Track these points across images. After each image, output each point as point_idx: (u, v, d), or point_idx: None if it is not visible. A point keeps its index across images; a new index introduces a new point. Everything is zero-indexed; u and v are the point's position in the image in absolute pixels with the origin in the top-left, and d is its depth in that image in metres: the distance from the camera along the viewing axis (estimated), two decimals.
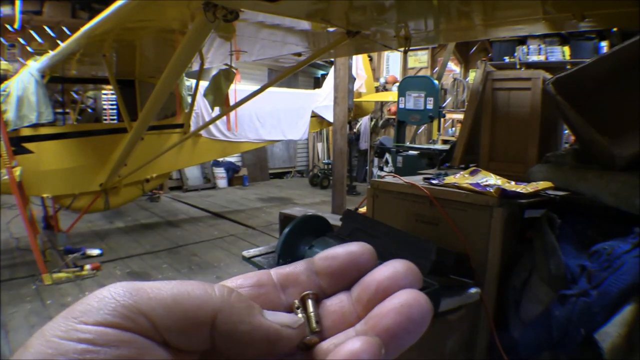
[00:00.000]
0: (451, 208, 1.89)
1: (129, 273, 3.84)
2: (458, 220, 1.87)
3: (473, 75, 7.28)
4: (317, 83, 9.69)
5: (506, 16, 2.19)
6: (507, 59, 7.01)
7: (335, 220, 2.10)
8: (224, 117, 5.03)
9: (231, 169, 8.59)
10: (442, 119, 6.66)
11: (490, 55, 7.36)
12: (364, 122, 8.96)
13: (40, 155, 3.94)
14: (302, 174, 10.30)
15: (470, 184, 1.90)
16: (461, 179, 2.05)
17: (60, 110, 4.62)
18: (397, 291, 0.25)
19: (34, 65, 3.84)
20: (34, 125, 3.82)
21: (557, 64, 6.45)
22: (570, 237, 1.79)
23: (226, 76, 3.34)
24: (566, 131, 2.77)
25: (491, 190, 1.78)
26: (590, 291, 1.55)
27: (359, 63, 6.80)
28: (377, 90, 8.26)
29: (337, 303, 0.27)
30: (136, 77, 4.55)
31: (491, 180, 2.04)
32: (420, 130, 7.60)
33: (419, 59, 8.46)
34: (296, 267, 0.29)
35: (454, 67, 8.12)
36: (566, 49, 6.55)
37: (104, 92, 5.70)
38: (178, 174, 7.93)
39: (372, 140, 8.91)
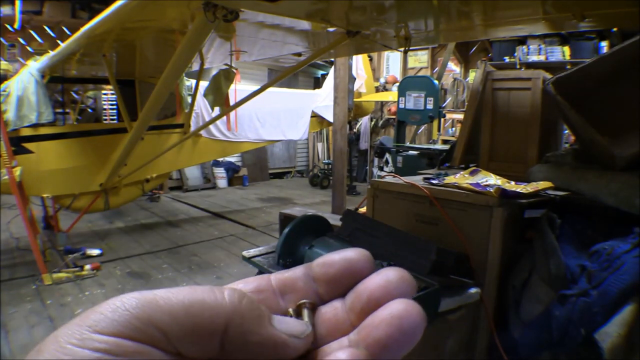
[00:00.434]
0: (451, 208, 1.89)
1: (129, 273, 3.84)
2: (458, 220, 1.87)
3: (473, 75, 7.28)
4: (317, 83, 9.69)
5: (506, 16, 2.19)
6: (507, 59, 7.01)
7: (335, 220, 2.10)
8: (224, 117, 5.03)
9: (231, 169, 8.59)
10: (442, 119, 6.66)
11: (490, 55, 7.36)
12: (364, 122, 8.96)
13: (40, 155, 3.94)
14: (302, 174, 10.30)
15: (470, 184, 1.90)
16: (461, 179, 2.05)
17: (60, 110, 4.61)
18: (389, 301, 0.25)
19: (34, 65, 3.84)
20: (34, 125, 3.81)
21: (557, 64, 6.45)
22: (570, 237, 1.79)
23: (226, 76, 3.34)
24: (566, 131, 2.77)
25: (491, 190, 1.78)
26: (590, 291, 1.55)
27: (359, 63, 6.80)
28: (377, 90, 8.26)
29: (331, 310, 0.28)
30: (136, 77, 4.54)
31: (491, 180, 2.04)
32: (420, 130, 7.60)
33: (419, 59, 8.46)
34: (295, 273, 0.29)
35: (454, 67, 8.12)
36: (566, 49, 6.55)
37: (104, 92, 5.70)
38: (178, 174, 7.93)
39: (372, 140, 8.91)
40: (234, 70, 3.36)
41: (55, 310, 3.09)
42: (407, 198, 2.07)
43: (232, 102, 4.44)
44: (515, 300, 1.76)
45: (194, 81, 4.63)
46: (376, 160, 8.45)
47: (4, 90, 3.71)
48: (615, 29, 5.51)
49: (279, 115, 5.96)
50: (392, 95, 7.45)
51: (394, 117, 7.56)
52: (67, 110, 4.85)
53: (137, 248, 4.55)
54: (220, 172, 8.38)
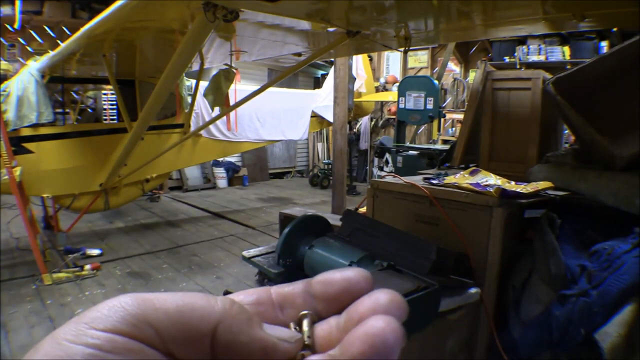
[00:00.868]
0: (451, 208, 1.90)
1: (129, 273, 3.84)
2: (458, 220, 1.87)
3: (473, 75, 7.28)
4: (317, 83, 9.69)
5: (506, 16, 2.19)
6: (507, 59, 7.01)
7: (335, 220, 2.10)
8: (224, 117, 5.03)
9: (231, 169, 8.59)
10: (442, 119, 6.66)
11: (490, 55, 7.36)
12: (364, 122, 8.96)
13: (40, 155, 3.94)
14: (302, 174, 10.30)
15: (470, 184, 1.90)
16: (461, 179, 2.05)
17: (60, 110, 4.61)
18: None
19: (34, 65, 3.84)
20: (34, 125, 3.82)
21: (557, 64, 6.45)
22: (570, 237, 1.79)
23: (226, 76, 3.33)
24: (566, 131, 2.77)
25: (491, 190, 1.78)
26: (590, 291, 1.55)
27: (359, 63, 6.80)
28: (377, 90, 8.26)
29: (326, 328, 0.28)
30: (136, 77, 4.55)
31: (491, 180, 2.04)
32: (420, 130, 7.60)
33: (419, 59, 8.46)
34: (295, 288, 0.29)
35: (454, 67, 8.12)
36: (566, 49, 6.55)
37: (104, 92, 5.70)
38: (178, 174, 7.93)
39: (372, 140, 8.91)
40: (234, 70, 3.36)
41: (55, 310, 3.09)
42: (407, 198, 2.07)
43: (232, 102, 4.44)
44: (515, 300, 1.76)
45: (194, 81, 4.63)
46: (376, 160, 8.45)
47: (4, 90, 3.71)
48: (615, 29, 5.51)
49: (279, 115, 5.96)
50: (392, 95, 7.45)
51: (394, 117, 7.56)
52: (67, 110, 4.85)
53: (137, 248, 4.55)
54: (220, 172, 8.38)
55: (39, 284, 3.48)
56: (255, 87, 3.61)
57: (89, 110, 5.82)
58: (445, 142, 6.92)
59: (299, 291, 0.29)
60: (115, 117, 5.54)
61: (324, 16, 2.19)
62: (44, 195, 4.24)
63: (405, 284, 1.33)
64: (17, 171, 3.54)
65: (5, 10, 6.13)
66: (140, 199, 6.33)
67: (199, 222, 5.77)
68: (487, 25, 2.37)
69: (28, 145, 3.87)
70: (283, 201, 7.27)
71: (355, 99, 6.68)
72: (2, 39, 6.32)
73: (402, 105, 5.02)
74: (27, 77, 3.75)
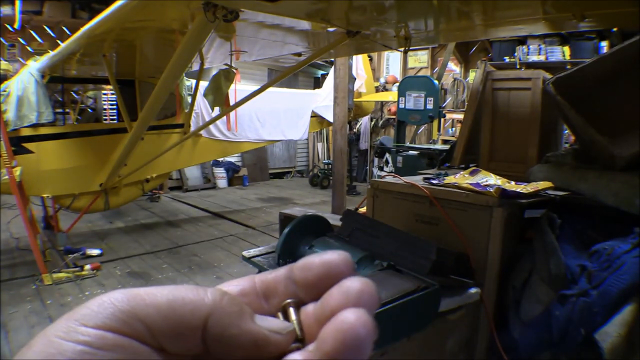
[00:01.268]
0: (451, 208, 1.89)
1: (129, 273, 3.84)
2: (458, 220, 1.87)
3: (473, 75, 7.28)
4: (317, 83, 9.69)
5: (506, 16, 2.19)
6: (507, 59, 7.01)
7: (335, 220, 2.10)
8: (224, 117, 5.03)
9: (231, 169, 8.59)
10: (442, 119, 6.67)
11: (490, 55, 7.36)
12: (364, 122, 8.96)
13: (40, 155, 3.94)
14: (302, 174, 10.29)
15: (470, 184, 1.90)
16: (461, 179, 2.05)
17: (60, 110, 4.61)
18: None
19: (34, 65, 3.84)
20: (34, 125, 3.82)
21: (557, 64, 6.45)
22: (570, 237, 1.79)
23: (226, 76, 3.33)
24: (566, 131, 2.77)
25: (491, 190, 1.78)
26: (590, 291, 1.55)
27: (359, 63, 6.80)
28: (377, 90, 8.26)
29: (304, 318, 0.27)
30: (136, 77, 4.55)
31: (491, 180, 2.04)
32: (420, 130, 7.60)
33: (419, 59, 8.46)
34: (277, 276, 0.29)
35: (454, 67, 8.11)
36: (566, 49, 6.55)
37: (104, 92, 5.70)
38: (178, 174, 7.93)
39: (372, 140, 8.91)
40: (234, 70, 3.36)
41: (55, 310, 3.09)
42: (407, 198, 2.07)
43: (232, 102, 4.44)
44: (515, 300, 1.76)
45: (194, 81, 4.63)
46: (376, 160, 8.45)
47: (4, 90, 3.71)
48: (615, 29, 5.51)
49: (279, 115, 5.96)
50: (392, 95, 7.45)
51: (394, 117, 7.56)
52: (67, 110, 4.85)
53: (137, 248, 4.55)
54: (220, 172, 8.38)
55: (39, 284, 3.48)
56: (255, 87, 3.61)
57: (89, 110, 5.82)
58: (445, 142, 6.92)
59: (281, 278, 0.29)
60: (115, 117, 5.54)
61: (324, 16, 2.19)
62: (44, 195, 4.24)
63: (405, 284, 1.33)
64: (17, 171, 3.54)
65: (5, 10, 6.13)
66: (140, 199, 6.33)
67: (199, 222, 5.77)
68: (487, 25, 2.37)
69: (28, 145, 3.87)
70: (283, 201, 7.27)
71: (355, 99, 6.68)
72: (2, 39, 6.32)
73: (402, 105, 5.02)
74: (27, 77, 3.75)
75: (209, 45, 3.18)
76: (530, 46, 6.82)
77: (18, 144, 3.76)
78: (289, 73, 3.25)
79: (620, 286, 1.50)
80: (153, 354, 0.23)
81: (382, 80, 8.86)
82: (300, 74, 9.53)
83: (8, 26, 6.25)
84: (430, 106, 4.83)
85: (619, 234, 1.69)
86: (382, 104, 9.14)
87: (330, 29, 2.45)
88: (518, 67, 6.79)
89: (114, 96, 5.09)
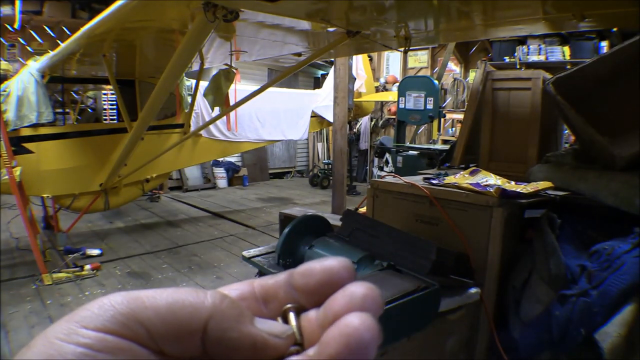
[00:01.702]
0: (451, 208, 1.89)
1: (129, 273, 3.84)
2: (458, 220, 1.87)
3: (473, 75, 7.28)
4: (317, 83, 9.69)
5: (506, 16, 2.19)
6: (507, 59, 7.01)
7: (335, 220, 2.10)
8: (224, 117, 5.03)
9: (231, 169, 8.59)
10: (442, 119, 6.66)
11: (490, 55, 7.36)
12: (364, 122, 8.96)
13: (40, 155, 3.94)
14: (302, 174, 10.29)
15: (470, 184, 1.90)
16: (461, 179, 2.05)
17: (60, 110, 4.61)
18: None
19: (34, 65, 3.84)
20: (34, 125, 3.82)
21: (557, 64, 6.45)
22: (570, 237, 1.79)
23: (226, 76, 3.34)
24: (566, 131, 2.77)
25: (491, 190, 1.78)
26: (590, 291, 1.55)
27: (359, 63, 6.80)
28: (377, 90, 8.26)
29: (306, 324, 0.27)
30: (136, 77, 4.54)
31: (491, 180, 2.04)
32: (420, 130, 7.60)
33: (419, 59, 8.46)
34: (277, 281, 0.29)
35: (454, 67, 8.11)
36: (566, 49, 6.55)
37: (104, 92, 5.70)
38: (178, 174, 7.93)
39: (372, 140, 8.91)
40: (234, 70, 3.36)
41: (55, 310, 3.09)
42: (407, 198, 2.07)
43: (232, 102, 4.44)
44: (515, 300, 1.76)
45: (194, 81, 4.63)
46: (376, 160, 8.45)
47: (4, 90, 3.71)
48: (615, 29, 5.51)
49: (279, 115, 5.96)
50: (392, 95, 7.45)
51: (394, 117, 7.56)
52: (67, 110, 4.85)
53: (137, 248, 4.55)
54: (220, 172, 8.38)
55: (39, 284, 3.48)
56: (255, 87, 3.61)
57: (89, 110, 5.82)
58: (445, 142, 6.92)
59: (282, 283, 0.29)
60: (115, 117, 5.54)
61: (324, 16, 2.19)
62: (44, 195, 4.24)
63: (405, 284, 1.33)
64: (17, 171, 3.54)
65: (5, 10, 6.13)
66: (140, 199, 6.33)
67: (199, 222, 5.77)
68: (487, 25, 2.37)
69: (28, 145, 3.87)
70: (283, 201, 7.27)
71: (355, 99, 6.68)
72: (2, 39, 6.31)
73: (402, 105, 5.02)
74: (27, 77, 3.75)
75: (209, 45, 3.18)
76: (530, 46, 6.83)
77: (18, 144, 3.76)
78: (289, 73, 3.25)
79: (620, 286, 1.50)
80: (152, 356, 0.23)
81: (382, 80, 8.86)
82: (300, 74, 9.53)
83: (8, 26, 6.25)
84: (430, 106, 4.83)
85: (619, 234, 1.69)
86: (382, 104, 9.14)
87: (330, 29, 2.45)
88: (518, 67, 6.79)
89: (114, 96, 5.09)
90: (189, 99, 4.73)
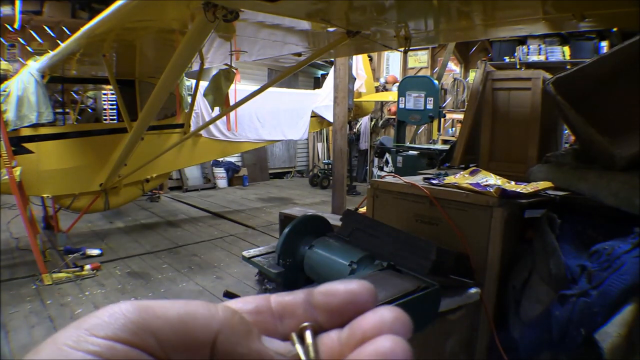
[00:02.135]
0: (451, 208, 1.89)
1: (129, 273, 3.84)
2: (458, 220, 1.87)
3: (473, 75, 7.28)
4: (317, 83, 9.69)
5: (506, 16, 2.19)
6: (507, 59, 7.02)
7: (335, 220, 2.10)
8: (224, 117, 5.03)
9: (231, 169, 8.59)
10: (442, 119, 6.67)
11: (490, 55, 7.36)
12: (364, 122, 8.96)
13: (40, 155, 3.94)
14: (302, 174, 10.30)
15: (470, 184, 1.90)
16: (461, 179, 2.05)
17: (60, 110, 4.61)
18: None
19: (34, 65, 3.84)
20: (34, 125, 3.82)
21: (557, 64, 6.45)
22: (570, 237, 1.79)
23: (226, 76, 3.33)
24: (566, 131, 2.77)
25: (491, 190, 1.78)
26: (590, 291, 1.55)
27: (359, 63, 6.79)
28: (377, 90, 8.26)
29: (327, 342, 0.27)
30: (136, 77, 4.55)
31: (491, 180, 2.04)
32: (420, 130, 7.60)
33: (419, 59, 8.46)
34: (295, 298, 0.29)
35: (454, 67, 8.12)
36: (566, 49, 6.55)
37: (104, 92, 5.70)
38: (178, 174, 7.93)
39: (372, 140, 8.91)
40: (234, 70, 3.36)
41: (55, 310, 3.09)
42: (407, 198, 2.07)
43: (232, 102, 4.44)
44: (515, 300, 1.76)
45: (194, 81, 4.63)
46: (376, 160, 8.45)
47: (4, 90, 3.71)
48: (615, 29, 5.51)
49: (279, 115, 5.96)
50: (392, 95, 7.45)
51: (394, 117, 7.56)
52: (67, 110, 4.85)
53: (137, 248, 4.55)
54: (220, 172, 8.38)
55: (39, 284, 3.48)
56: (255, 87, 3.61)
57: (89, 110, 5.82)
58: (445, 142, 6.92)
59: (300, 301, 0.28)
60: (115, 117, 5.55)
61: (324, 16, 2.18)
62: (44, 195, 4.24)
63: (405, 284, 1.33)
64: (17, 171, 3.54)
65: (5, 10, 6.13)
66: (140, 199, 6.33)
67: (199, 222, 5.77)
68: (487, 25, 2.37)
69: (28, 145, 3.87)
70: (283, 201, 7.27)
71: (355, 99, 6.68)
72: (2, 39, 6.32)
73: (402, 105, 5.02)
74: (27, 77, 3.75)
75: (209, 45, 3.18)
76: (530, 46, 6.83)
77: (18, 144, 3.76)
78: (289, 73, 3.25)
79: (620, 286, 1.50)
80: None
81: (382, 80, 8.86)
82: (300, 74, 9.53)
83: (8, 26, 6.25)
84: (430, 106, 4.83)
85: (619, 234, 1.69)
86: (382, 104, 9.14)
87: (330, 29, 2.45)
88: (518, 67, 6.79)
89: (114, 96, 5.09)
90: (189, 99, 4.73)
